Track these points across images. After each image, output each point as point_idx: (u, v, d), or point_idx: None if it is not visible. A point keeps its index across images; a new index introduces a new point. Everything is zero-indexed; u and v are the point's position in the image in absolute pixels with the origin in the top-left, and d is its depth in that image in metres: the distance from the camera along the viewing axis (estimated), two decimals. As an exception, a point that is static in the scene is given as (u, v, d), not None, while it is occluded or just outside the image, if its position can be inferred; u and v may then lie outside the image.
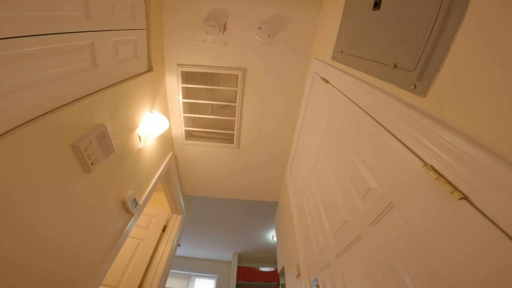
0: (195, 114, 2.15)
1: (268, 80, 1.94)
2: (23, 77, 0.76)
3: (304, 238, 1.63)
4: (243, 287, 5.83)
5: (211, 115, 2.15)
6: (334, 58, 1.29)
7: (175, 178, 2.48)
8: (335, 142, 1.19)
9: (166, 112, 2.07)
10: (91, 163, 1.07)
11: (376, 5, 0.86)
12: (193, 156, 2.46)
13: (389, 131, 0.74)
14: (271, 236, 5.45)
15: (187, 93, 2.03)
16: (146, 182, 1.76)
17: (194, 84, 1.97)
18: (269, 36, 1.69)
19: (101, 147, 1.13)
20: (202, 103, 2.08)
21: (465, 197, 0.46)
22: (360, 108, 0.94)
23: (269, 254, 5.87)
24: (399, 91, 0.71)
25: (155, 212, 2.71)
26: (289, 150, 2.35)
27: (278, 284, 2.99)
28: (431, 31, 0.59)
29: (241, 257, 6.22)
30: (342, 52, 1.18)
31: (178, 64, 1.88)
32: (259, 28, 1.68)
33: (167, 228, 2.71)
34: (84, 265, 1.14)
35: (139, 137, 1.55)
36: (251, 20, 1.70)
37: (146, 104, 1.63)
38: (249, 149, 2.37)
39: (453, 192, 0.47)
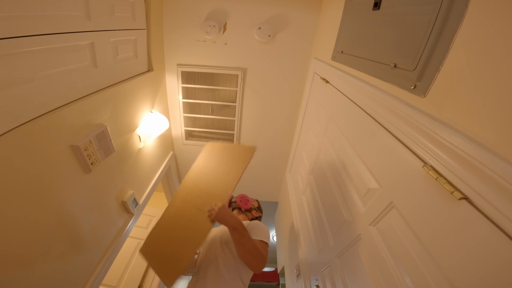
0: (195, 114, 2.15)
1: (268, 80, 1.94)
2: (23, 77, 0.76)
3: (304, 238, 1.63)
4: (243, 287, 5.82)
5: (211, 115, 2.14)
6: (334, 58, 1.29)
7: (175, 178, 2.48)
8: (335, 142, 1.19)
9: (166, 112, 2.07)
10: (91, 163, 1.07)
11: (376, 5, 0.86)
12: (193, 156, 2.45)
13: (389, 131, 0.74)
14: (271, 236, 5.46)
15: (187, 93, 2.03)
16: (146, 182, 1.76)
17: (194, 84, 1.97)
18: (269, 36, 1.69)
19: (101, 147, 1.13)
20: (202, 103, 2.08)
21: (465, 197, 0.46)
22: (360, 108, 0.95)
23: (269, 254, 5.86)
24: (399, 91, 0.71)
25: (155, 212, 2.71)
26: (289, 150, 2.35)
27: (278, 284, 2.99)
28: (431, 31, 0.59)
29: (241, 257, 6.21)
30: (342, 52, 1.18)
31: (178, 64, 1.88)
32: (259, 28, 1.68)
33: (167, 228, 2.71)
34: (84, 265, 1.14)
35: (139, 137, 1.55)
36: (251, 20, 1.70)
37: (146, 104, 1.63)
38: (249, 149, 2.37)
39: (453, 192, 0.47)
